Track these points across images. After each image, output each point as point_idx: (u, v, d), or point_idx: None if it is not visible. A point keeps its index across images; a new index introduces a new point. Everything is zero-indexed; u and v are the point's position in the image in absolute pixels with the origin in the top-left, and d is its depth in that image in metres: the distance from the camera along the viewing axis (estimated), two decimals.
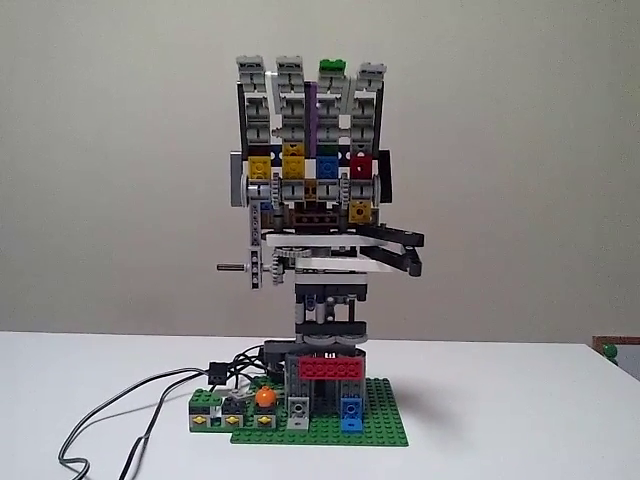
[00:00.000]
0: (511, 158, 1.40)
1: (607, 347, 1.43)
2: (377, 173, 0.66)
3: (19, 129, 1.42)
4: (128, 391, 0.71)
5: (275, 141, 0.65)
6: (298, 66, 0.58)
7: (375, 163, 0.67)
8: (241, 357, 0.84)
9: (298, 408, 0.67)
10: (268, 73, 0.60)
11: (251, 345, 0.87)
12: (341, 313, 0.69)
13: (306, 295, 0.68)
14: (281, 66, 0.57)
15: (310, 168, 0.65)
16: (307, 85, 0.61)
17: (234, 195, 0.65)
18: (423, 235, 0.57)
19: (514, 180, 1.40)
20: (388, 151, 0.67)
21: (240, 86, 0.61)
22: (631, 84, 1.37)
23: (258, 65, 0.58)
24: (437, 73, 1.37)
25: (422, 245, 0.57)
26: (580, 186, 1.41)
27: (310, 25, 1.35)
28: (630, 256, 1.43)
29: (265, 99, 0.63)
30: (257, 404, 0.65)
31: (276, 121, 0.65)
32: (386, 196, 0.65)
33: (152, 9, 1.36)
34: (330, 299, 0.68)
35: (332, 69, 0.58)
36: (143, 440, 0.61)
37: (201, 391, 0.69)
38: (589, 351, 0.99)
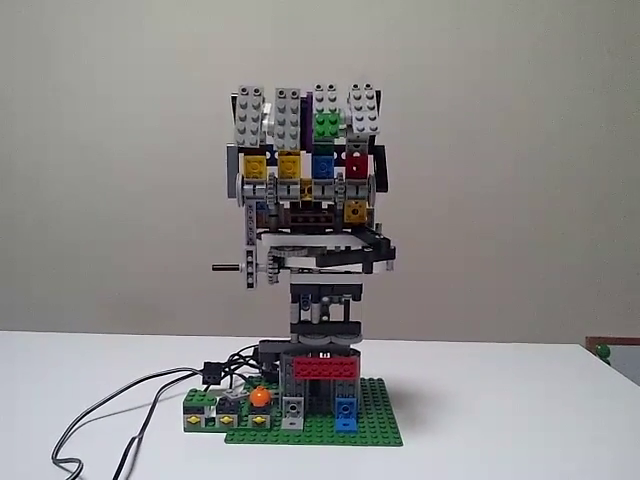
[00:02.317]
0: (505, 159, 1.40)
1: (600, 347, 1.44)
2: (372, 173, 0.66)
3: (15, 130, 1.41)
4: (122, 391, 0.71)
5: (270, 141, 0.65)
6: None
7: (370, 163, 0.67)
8: (235, 357, 0.84)
9: (293, 408, 0.67)
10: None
11: (246, 345, 0.87)
12: (336, 313, 0.69)
13: (301, 295, 0.68)
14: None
15: (306, 168, 0.65)
16: (304, 101, 0.61)
17: (230, 187, 0.65)
18: (387, 241, 0.58)
19: (508, 182, 1.41)
20: (383, 146, 0.67)
21: (234, 98, 0.62)
22: (627, 85, 1.38)
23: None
24: (433, 73, 1.37)
25: (380, 250, 0.58)
26: (573, 188, 1.42)
27: (307, 25, 1.35)
28: (623, 257, 1.43)
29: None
30: (251, 404, 0.65)
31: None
32: (382, 185, 0.65)
33: (149, 10, 1.36)
34: (325, 299, 0.68)
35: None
36: (137, 440, 0.60)
37: (195, 391, 0.68)
38: (582, 351, 0.99)
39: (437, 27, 1.36)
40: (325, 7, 1.35)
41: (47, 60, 1.38)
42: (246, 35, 1.36)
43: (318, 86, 0.62)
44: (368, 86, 0.62)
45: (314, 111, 0.61)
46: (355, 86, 0.62)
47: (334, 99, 0.62)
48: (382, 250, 0.58)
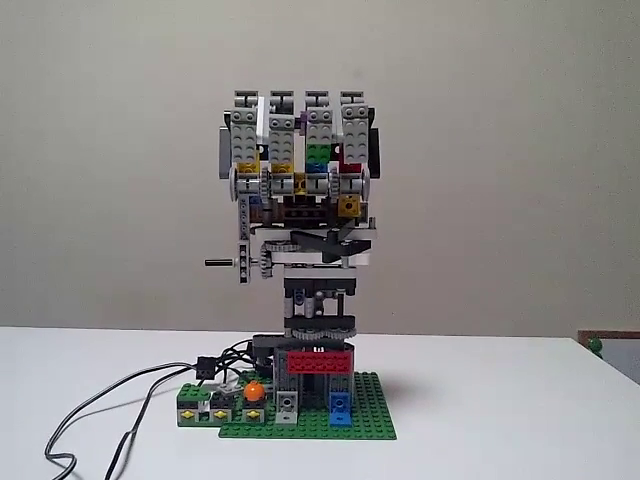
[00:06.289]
0: (500, 154, 1.40)
1: (592, 341, 1.45)
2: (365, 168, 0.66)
3: (14, 127, 1.40)
4: (115, 386, 0.71)
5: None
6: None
7: None
8: (229, 352, 0.84)
9: (287, 402, 0.67)
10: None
11: (239, 340, 0.87)
12: (330, 307, 0.69)
13: (295, 289, 0.67)
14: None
15: (299, 162, 0.65)
16: (298, 121, 0.61)
17: (222, 167, 0.64)
18: (333, 235, 0.59)
19: (500, 176, 1.41)
20: (377, 129, 0.66)
21: (227, 116, 0.61)
22: (620, 82, 1.38)
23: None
24: (429, 71, 1.37)
25: (328, 242, 0.60)
26: (564, 182, 1.42)
27: (304, 24, 1.34)
28: (616, 252, 1.44)
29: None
30: (245, 398, 0.65)
31: None
32: (374, 171, 0.65)
33: (144, 6, 1.35)
34: (319, 293, 0.68)
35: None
36: (130, 435, 0.60)
37: (189, 385, 0.68)
38: (575, 345, 1.00)
39: (435, 23, 1.36)
40: (323, 3, 1.35)
41: (45, 59, 1.37)
42: (244, 31, 1.35)
43: (313, 117, 0.59)
44: (362, 113, 0.59)
45: (308, 140, 0.60)
46: (349, 114, 0.59)
47: (327, 133, 0.60)
48: (327, 244, 0.59)
